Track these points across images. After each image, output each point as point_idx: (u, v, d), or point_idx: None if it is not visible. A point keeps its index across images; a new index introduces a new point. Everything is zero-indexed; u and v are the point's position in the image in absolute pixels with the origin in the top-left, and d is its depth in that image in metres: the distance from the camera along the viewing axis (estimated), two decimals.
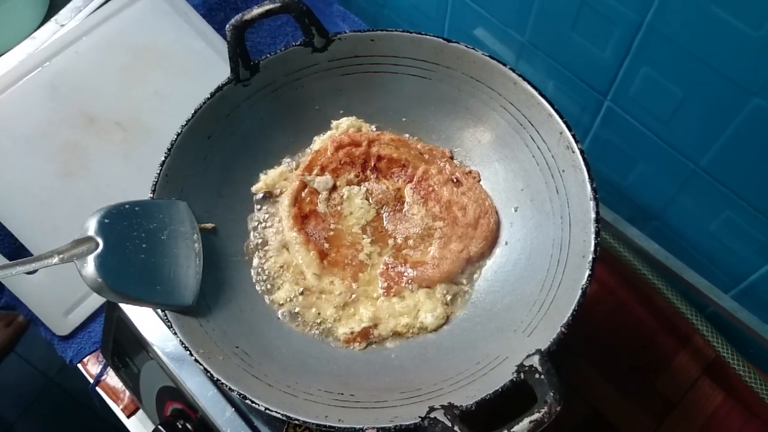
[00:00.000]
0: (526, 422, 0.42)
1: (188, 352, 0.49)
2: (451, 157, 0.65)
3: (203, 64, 0.88)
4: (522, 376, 0.46)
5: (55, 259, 0.47)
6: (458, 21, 0.81)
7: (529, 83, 0.56)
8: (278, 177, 0.63)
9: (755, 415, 0.75)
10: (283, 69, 0.62)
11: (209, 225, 0.59)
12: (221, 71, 0.59)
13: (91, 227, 0.50)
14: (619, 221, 0.79)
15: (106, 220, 0.51)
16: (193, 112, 0.58)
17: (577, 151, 0.53)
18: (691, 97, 0.60)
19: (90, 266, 0.49)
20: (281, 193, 0.63)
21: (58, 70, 0.82)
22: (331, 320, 0.58)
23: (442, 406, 0.46)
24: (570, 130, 0.54)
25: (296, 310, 0.59)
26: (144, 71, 0.85)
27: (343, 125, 0.64)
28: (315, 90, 0.64)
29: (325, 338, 0.58)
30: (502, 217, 0.61)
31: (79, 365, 0.81)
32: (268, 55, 0.60)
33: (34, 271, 0.78)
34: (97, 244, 0.49)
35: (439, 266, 0.59)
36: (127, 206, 0.53)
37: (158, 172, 0.56)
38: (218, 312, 0.55)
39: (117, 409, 0.79)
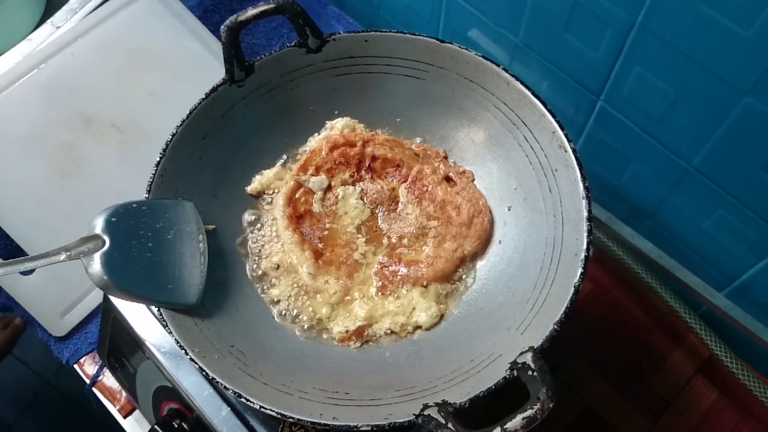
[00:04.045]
0: (518, 419, 0.42)
1: (184, 351, 0.49)
2: (446, 157, 0.65)
3: (198, 65, 0.88)
4: (515, 373, 0.46)
5: (63, 256, 0.48)
6: (452, 22, 0.81)
7: (522, 83, 0.56)
8: (273, 177, 0.63)
9: (749, 413, 0.75)
10: (278, 70, 0.62)
11: (210, 226, 0.59)
12: (216, 72, 0.59)
13: (99, 225, 0.51)
14: (613, 220, 0.79)
15: (113, 219, 0.52)
16: (188, 112, 0.58)
17: (570, 150, 0.53)
18: (684, 96, 0.60)
19: (96, 264, 0.49)
20: (276, 193, 0.63)
21: (54, 72, 0.82)
22: (326, 319, 0.58)
23: (436, 404, 0.46)
24: (562, 129, 0.54)
25: (291, 309, 0.59)
26: (139, 72, 0.85)
27: (338, 125, 0.65)
28: (310, 90, 0.64)
29: (320, 337, 0.58)
30: (495, 216, 0.61)
31: (76, 366, 0.81)
32: (263, 56, 0.61)
33: (31, 272, 0.78)
34: (104, 242, 0.50)
35: (433, 265, 0.59)
36: (134, 205, 0.54)
37: (153, 172, 0.56)
38: (214, 311, 0.56)
39: (113, 410, 0.79)
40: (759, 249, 0.66)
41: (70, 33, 0.85)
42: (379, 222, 0.63)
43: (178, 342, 0.50)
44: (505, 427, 0.42)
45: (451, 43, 0.59)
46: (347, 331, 0.57)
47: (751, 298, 0.71)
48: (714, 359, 0.75)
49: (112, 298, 0.62)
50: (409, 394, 0.50)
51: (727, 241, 0.69)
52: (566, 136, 0.54)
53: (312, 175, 0.62)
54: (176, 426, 0.62)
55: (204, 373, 0.49)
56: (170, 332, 0.51)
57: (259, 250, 0.61)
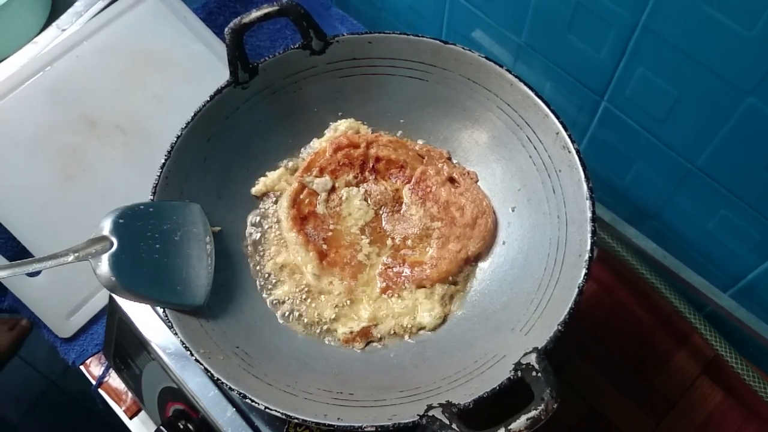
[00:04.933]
0: (523, 420, 0.42)
1: (189, 353, 0.50)
2: (449, 158, 0.65)
3: (203, 67, 0.88)
4: (519, 374, 0.46)
5: (71, 257, 0.48)
6: (456, 23, 0.81)
7: (526, 84, 0.57)
8: (277, 179, 0.63)
9: (754, 413, 0.75)
10: (282, 71, 0.62)
11: (216, 228, 0.59)
12: (220, 74, 0.59)
13: (106, 227, 0.51)
14: (616, 221, 0.79)
15: (121, 220, 0.52)
16: (192, 114, 0.59)
17: (573, 151, 0.53)
18: (687, 96, 0.60)
19: (104, 265, 0.49)
20: (280, 194, 0.63)
21: (59, 74, 0.83)
22: (330, 320, 0.59)
23: (440, 405, 0.46)
24: (566, 130, 0.54)
25: (295, 310, 0.59)
26: (144, 75, 0.86)
27: (342, 127, 0.65)
28: (313, 92, 0.64)
29: (325, 338, 0.58)
30: (499, 216, 0.61)
31: (82, 367, 0.81)
32: (267, 58, 0.61)
33: (37, 274, 0.79)
34: (112, 244, 0.50)
35: (437, 266, 0.59)
36: (141, 207, 0.54)
37: (158, 174, 0.57)
38: (218, 312, 0.56)
39: (119, 411, 0.79)
40: (763, 249, 0.66)
41: (75, 36, 0.85)
42: (383, 223, 0.63)
43: (183, 343, 0.50)
44: (509, 427, 0.42)
45: (454, 45, 0.59)
46: (351, 332, 0.57)
47: (756, 299, 0.71)
48: (719, 360, 0.74)
49: (118, 300, 0.63)
50: (413, 395, 0.50)
51: (731, 241, 0.68)
52: (570, 136, 0.54)
53: (316, 176, 0.63)
54: (182, 427, 0.63)
55: (209, 374, 0.49)
56: (175, 333, 0.51)
57: (264, 252, 0.62)
